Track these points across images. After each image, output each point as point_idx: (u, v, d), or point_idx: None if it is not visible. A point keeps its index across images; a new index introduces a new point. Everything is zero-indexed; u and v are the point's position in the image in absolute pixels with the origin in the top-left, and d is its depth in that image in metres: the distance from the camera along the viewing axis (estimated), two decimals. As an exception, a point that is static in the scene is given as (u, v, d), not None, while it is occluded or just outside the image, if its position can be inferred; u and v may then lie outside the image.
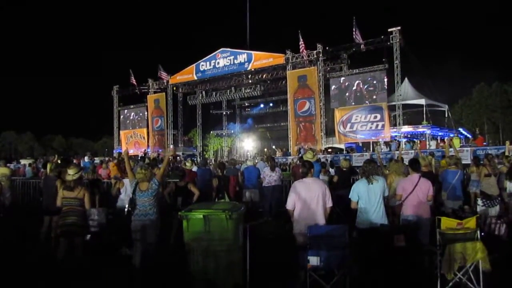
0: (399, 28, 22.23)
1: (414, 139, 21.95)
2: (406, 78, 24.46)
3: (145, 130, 33.67)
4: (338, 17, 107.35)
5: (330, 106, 24.62)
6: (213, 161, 24.65)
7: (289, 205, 4.90)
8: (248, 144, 38.21)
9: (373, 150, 20.20)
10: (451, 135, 20.16)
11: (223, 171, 9.59)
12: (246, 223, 4.88)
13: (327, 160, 14.73)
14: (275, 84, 30.42)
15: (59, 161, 8.85)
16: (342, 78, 23.98)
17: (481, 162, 9.14)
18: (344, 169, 9.73)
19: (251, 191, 9.65)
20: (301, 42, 25.13)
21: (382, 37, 22.55)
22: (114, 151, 33.09)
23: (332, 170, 11.71)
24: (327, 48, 24.69)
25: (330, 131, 25.09)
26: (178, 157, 22.75)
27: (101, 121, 78.13)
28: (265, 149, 34.13)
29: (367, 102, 22.79)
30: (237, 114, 39.90)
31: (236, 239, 4.65)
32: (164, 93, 32.63)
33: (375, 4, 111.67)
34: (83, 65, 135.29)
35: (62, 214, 5.41)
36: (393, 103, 22.64)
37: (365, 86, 22.83)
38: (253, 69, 28.35)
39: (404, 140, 21.83)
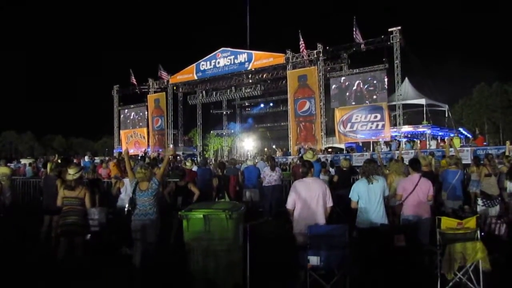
0: (399, 28, 22.25)
1: (414, 139, 21.95)
2: (406, 78, 24.48)
3: (145, 129, 33.68)
4: (338, 17, 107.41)
5: (330, 106, 24.63)
6: (213, 160, 24.66)
7: (289, 205, 4.91)
8: (248, 144, 38.22)
9: (373, 150, 20.20)
10: (451, 135, 20.15)
11: (223, 171, 9.59)
12: (246, 223, 4.87)
13: (327, 160, 14.73)
14: (275, 83, 30.43)
15: (59, 161, 8.85)
16: (342, 78, 23.99)
17: (482, 162, 9.14)
18: (344, 169, 9.74)
19: (251, 191, 9.65)
20: (301, 41, 25.14)
21: (383, 37, 22.56)
22: (114, 151, 33.11)
23: (332, 170, 11.71)
24: (327, 47, 24.69)
25: (330, 131, 25.10)
26: (178, 157, 22.76)
27: (101, 121, 78.17)
28: (265, 149, 34.17)
29: (367, 102, 22.79)
30: (237, 113, 39.93)
31: (236, 238, 4.65)
32: (164, 93, 32.64)
33: (375, 4, 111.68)
34: (83, 64, 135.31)
35: (63, 214, 5.41)
36: (393, 103, 22.64)
37: (365, 86, 22.83)
38: (253, 69, 28.36)
39: (404, 140, 21.83)
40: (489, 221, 5.75)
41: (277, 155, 22.49)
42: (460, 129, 26.27)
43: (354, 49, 23.98)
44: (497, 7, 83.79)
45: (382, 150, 18.63)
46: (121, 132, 35.36)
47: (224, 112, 38.56)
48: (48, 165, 8.00)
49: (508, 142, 11.00)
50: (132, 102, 35.05)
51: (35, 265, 5.70)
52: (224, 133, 39.76)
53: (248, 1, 35.60)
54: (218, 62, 29.49)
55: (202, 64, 30.36)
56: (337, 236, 4.41)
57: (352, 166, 10.98)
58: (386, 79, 22.28)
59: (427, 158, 8.79)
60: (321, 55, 24.57)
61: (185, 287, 4.61)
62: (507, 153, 9.91)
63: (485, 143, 20.08)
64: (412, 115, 26.51)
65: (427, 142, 21.01)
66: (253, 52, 28.22)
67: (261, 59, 27.60)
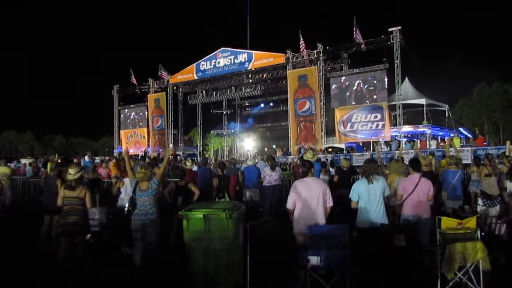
0: (399, 27, 22.26)
1: (415, 139, 21.96)
2: (406, 78, 24.48)
3: (145, 129, 33.70)
4: (339, 17, 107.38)
5: (331, 106, 24.64)
6: (213, 160, 24.65)
7: (289, 205, 4.91)
8: (248, 144, 38.25)
9: (374, 150, 20.20)
10: (452, 135, 20.15)
11: (224, 171, 9.59)
12: (246, 223, 4.87)
13: (327, 159, 14.73)
14: (276, 83, 30.45)
15: (59, 161, 8.86)
16: (343, 78, 23.99)
17: (482, 162, 9.14)
18: (345, 169, 9.74)
19: (251, 191, 9.65)
20: (302, 41, 25.14)
21: (383, 36, 22.57)
22: (114, 151, 33.14)
23: (332, 170, 11.71)
24: (327, 47, 24.71)
25: (330, 131, 25.11)
26: (178, 157, 22.76)
27: (101, 121, 78.08)
28: (265, 149, 34.20)
29: (367, 101, 22.79)
30: (238, 113, 39.96)
31: (236, 238, 4.65)
32: (164, 93, 32.65)
33: (376, 4, 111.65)
34: (83, 64, 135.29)
35: (63, 214, 5.41)
36: (394, 103, 22.65)
37: (366, 86, 22.84)
38: (253, 69, 28.37)
39: (405, 139, 21.84)
40: (489, 221, 5.75)
41: (277, 155, 22.50)
42: (460, 129, 26.27)
43: (354, 49, 24.00)
44: (497, 7, 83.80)
45: (382, 150, 18.64)
46: (121, 132, 35.37)
47: (224, 112, 38.59)
48: (48, 165, 8.00)
49: (508, 142, 10.99)
50: (132, 102, 35.09)
51: (35, 265, 5.70)
52: (224, 133, 39.78)
53: (248, 1, 35.61)
54: (218, 62, 29.49)
55: (202, 64, 30.36)
56: (337, 236, 4.41)
57: (352, 166, 10.97)
58: (386, 79, 22.29)
59: (427, 158, 8.79)
60: (321, 55, 24.57)
61: (185, 287, 4.61)
62: (507, 153, 9.91)
63: (485, 143, 20.07)
64: (412, 115, 26.53)
65: (427, 142, 21.02)
66: (253, 52, 28.22)
67: (261, 59, 27.61)
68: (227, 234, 4.52)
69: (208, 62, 30.04)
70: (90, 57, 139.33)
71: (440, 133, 23.16)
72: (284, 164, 18.54)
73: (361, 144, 23.18)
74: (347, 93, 23.54)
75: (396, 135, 22.47)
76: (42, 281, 5.04)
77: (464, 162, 9.35)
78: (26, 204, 11.82)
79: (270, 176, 9.48)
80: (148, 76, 33.91)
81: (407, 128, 22.87)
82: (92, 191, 5.94)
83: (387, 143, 20.95)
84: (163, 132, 32.53)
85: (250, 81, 30.79)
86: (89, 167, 13.52)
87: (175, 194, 7.23)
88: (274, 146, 34.21)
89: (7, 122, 69.15)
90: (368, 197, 4.91)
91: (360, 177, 5.39)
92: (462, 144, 19.66)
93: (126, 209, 5.48)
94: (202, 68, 30.38)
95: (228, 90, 32.24)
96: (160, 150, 29.87)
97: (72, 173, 5.49)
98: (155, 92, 33.44)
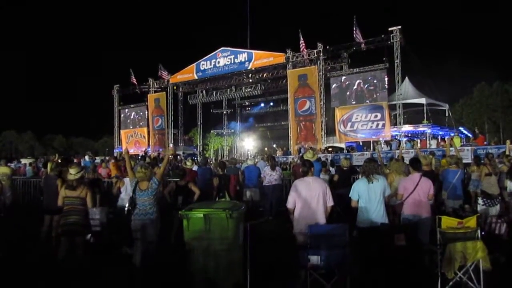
0: (399, 27, 22.26)
1: (415, 138, 21.97)
2: (406, 77, 24.47)
3: (145, 129, 33.72)
4: (339, 16, 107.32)
5: (331, 105, 24.64)
6: (213, 160, 24.66)
7: (289, 204, 4.90)
8: (248, 143, 38.29)
9: (374, 149, 20.21)
10: (452, 134, 20.17)
11: (224, 170, 9.59)
12: (246, 222, 4.88)
13: (327, 159, 14.73)
14: (276, 83, 30.46)
15: (59, 161, 8.86)
16: (343, 77, 23.98)
17: (482, 161, 9.13)
18: (345, 168, 9.74)
19: (252, 190, 9.65)
20: (302, 41, 25.13)
21: (383, 36, 22.57)
22: (114, 151, 33.15)
23: (332, 169, 11.71)
24: (327, 47, 24.69)
25: (330, 130, 25.10)
26: (178, 156, 22.77)
27: (101, 121, 78.11)
28: (266, 148, 34.23)
29: (367, 101, 22.79)
30: (238, 113, 39.97)
31: (236, 238, 4.65)
32: (164, 92, 32.67)
33: (376, 4, 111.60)
34: (83, 64, 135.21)
35: (64, 214, 5.41)
36: (394, 102, 22.65)
37: (366, 85, 22.83)
38: (253, 68, 28.36)
39: (405, 139, 21.84)
40: (490, 220, 5.75)
41: (277, 155, 22.50)
42: (461, 128, 26.26)
43: (354, 48, 23.99)
44: (497, 7, 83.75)
45: (383, 150, 18.65)
46: (122, 131, 35.39)
47: (224, 112, 38.60)
48: (49, 165, 8.00)
49: (508, 142, 10.98)
50: (132, 102, 35.10)
51: (35, 265, 5.70)
52: (225, 133, 39.79)
53: (248, 1, 35.60)
54: (218, 62, 29.50)
55: (202, 64, 30.36)
56: (338, 235, 4.41)
57: (352, 165, 10.97)
58: (386, 79, 22.28)
59: (428, 157, 8.78)
60: (321, 54, 24.57)
61: (186, 287, 4.61)
62: (507, 153, 9.90)
63: (485, 143, 20.07)
64: (413, 114, 26.51)
65: (428, 142, 21.03)
66: (253, 51, 28.22)
67: (261, 58, 27.61)
68: (227, 234, 4.52)
69: (208, 62, 30.04)
70: (90, 57, 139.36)
71: (440, 133, 23.16)
72: (284, 163, 18.55)
73: (361, 143, 23.18)
74: (347, 93, 23.54)
75: (396, 135, 22.47)
76: (42, 281, 5.04)
77: (464, 161, 9.35)
78: (26, 204, 11.83)
79: (270, 176, 9.49)
80: (148, 76, 33.99)
81: (407, 128, 22.86)
82: (92, 191, 5.94)
83: (387, 143, 20.95)
84: (163, 132, 32.54)
85: (250, 80, 30.79)
86: (89, 167, 13.53)
87: (175, 193, 7.23)
88: (274, 146, 34.23)
89: (7, 122, 69.23)
90: (368, 196, 4.91)
91: (360, 176, 5.38)
92: (462, 143, 19.67)
93: (126, 209, 5.49)
94: (202, 68, 30.38)
95: (228, 90, 32.25)
96: (160, 150, 29.88)
97: (73, 173, 5.49)
98: (155, 92, 33.45)
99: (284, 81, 28.01)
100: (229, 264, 4.53)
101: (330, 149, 23.18)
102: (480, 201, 6.98)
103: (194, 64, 30.80)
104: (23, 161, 25.79)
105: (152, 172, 5.57)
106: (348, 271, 4.31)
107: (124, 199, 6.80)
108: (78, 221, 5.37)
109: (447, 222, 4.52)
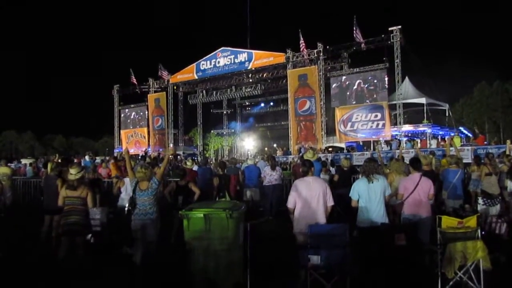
0: (399, 27, 22.25)
1: (415, 138, 21.98)
2: (406, 77, 24.47)
3: (145, 129, 33.72)
4: (339, 16, 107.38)
5: (331, 105, 24.64)
6: (213, 160, 24.65)
7: (290, 204, 4.90)
8: (248, 143, 38.30)
9: (374, 149, 20.21)
10: (452, 134, 20.17)
11: (224, 170, 9.59)
12: (246, 222, 4.87)
13: (327, 159, 14.73)
14: (276, 83, 30.46)
15: (59, 161, 8.86)
16: (343, 77, 23.98)
17: (482, 161, 9.13)
18: (345, 168, 9.74)
19: (252, 190, 9.65)
20: (302, 41, 25.13)
21: (383, 36, 22.57)
22: (114, 150, 33.15)
23: (332, 169, 11.71)
24: (327, 47, 24.69)
25: (330, 130, 25.10)
26: (178, 156, 22.78)
27: (101, 121, 78.05)
28: (266, 148, 34.25)
29: (367, 101, 22.79)
30: (238, 113, 39.97)
31: (236, 238, 4.65)
32: (164, 92, 32.67)
33: (376, 3, 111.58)
34: (83, 64, 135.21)
35: (64, 213, 5.41)
36: (394, 102, 22.64)
37: (366, 85, 22.83)
38: (253, 68, 28.36)
39: (405, 139, 21.85)
40: (490, 220, 5.75)
41: (277, 155, 22.51)
42: (461, 128, 26.27)
43: (354, 48, 23.99)
44: (497, 7, 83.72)
45: (383, 149, 18.65)
46: (122, 131, 35.39)
47: (225, 112, 38.60)
48: (49, 165, 8.00)
49: (508, 141, 11.00)
50: (133, 102, 35.10)
51: (35, 265, 5.70)
52: (225, 133, 39.79)
53: (248, 1, 35.60)
54: (218, 62, 29.49)
55: (202, 64, 30.36)
56: (338, 235, 4.41)
57: (352, 165, 10.97)
58: (386, 78, 22.28)
59: (428, 157, 8.78)
60: (321, 54, 24.56)
61: (186, 287, 4.61)
62: (507, 152, 9.90)
63: (485, 142, 20.07)
64: (413, 114, 26.52)
65: (428, 141, 21.03)
66: (253, 51, 28.21)
67: (261, 58, 27.60)
68: (227, 234, 4.52)
69: (208, 62, 30.04)
70: (90, 57, 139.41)
71: (441, 132, 23.16)
72: (284, 163, 18.56)
73: (361, 143, 23.18)
74: (347, 93, 23.53)
75: (396, 135, 22.47)
76: (43, 281, 5.04)
77: (464, 161, 9.35)
78: (27, 204, 11.83)
79: (270, 176, 9.49)
80: (148, 76, 33.98)
81: (407, 128, 22.87)
82: (92, 191, 5.95)
83: (387, 143, 20.95)
84: (163, 131, 32.55)
85: (250, 80, 30.79)
86: (90, 167, 13.54)
87: (175, 193, 7.23)
88: (274, 146, 34.23)
89: (7, 122, 69.22)
90: (368, 196, 4.92)
91: (360, 176, 5.38)
92: (462, 143, 19.67)
93: (126, 209, 5.49)
94: (202, 68, 30.38)
95: (228, 90, 32.24)
96: (161, 149, 29.89)
97: (73, 173, 5.49)
98: (155, 91, 33.45)
99: (284, 81, 28.01)
100: (229, 264, 4.53)
101: (330, 149, 23.19)
102: (480, 200, 6.97)
103: (194, 64, 30.80)
104: (23, 161, 25.82)
105: (152, 172, 5.57)
106: (348, 271, 4.31)
107: (124, 199, 6.81)
108: (79, 221, 5.38)
109: (447, 222, 4.52)
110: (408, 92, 23.89)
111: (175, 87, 33.60)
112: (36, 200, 11.28)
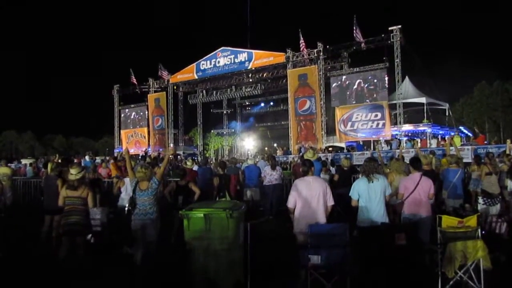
0: (399, 26, 22.25)
1: (415, 138, 21.98)
2: (406, 77, 24.46)
3: (145, 129, 33.73)
4: (339, 16, 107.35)
5: (331, 105, 24.65)
6: (213, 160, 24.66)
7: (290, 203, 4.90)
8: (248, 143, 38.31)
9: (374, 149, 20.20)
10: (452, 134, 20.18)
11: (224, 170, 9.58)
12: (246, 222, 4.87)
13: (327, 158, 14.72)
14: (276, 82, 30.46)
15: (59, 161, 8.86)
16: (343, 77, 23.97)
17: (482, 160, 9.13)
18: (345, 168, 9.73)
19: (252, 190, 9.64)
20: (302, 40, 25.12)
21: (383, 35, 22.57)
22: (114, 150, 33.16)
23: (333, 169, 11.71)
24: (327, 46, 24.69)
25: (330, 130, 25.10)
26: (178, 156, 22.78)
27: (101, 121, 78.32)
28: (266, 148, 34.23)
29: (367, 100, 22.78)
30: (238, 113, 39.98)
31: (236, 237, 4.65)
32: (164, 92, 32.67)
33: (376, 3, 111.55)
34: (83, 64, 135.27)
35: (65, 214, 5.41)
36: (394, 102, 22.64)
37: (366, 85, 22.83)
38: (253, 68, 28.36)
39: (405, 138, 21.86)
40: (490, 219, 5.75)
41: (277, 154, 22.51)
42: (461, 127, 26.27)
43: (354, 48, 23.98)
44: (497, 7, 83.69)
45: (383, 149, 18.65)
46: (122, 131, 35.40)
47: (225, 111, 38.60)
48: (49, 165, 8.00)
49: (508, 141, 10.97)
50: (133, 102, 35.11)
51: (35, 265, 5.70)
52: (225, 132, 39.79)
53: (248, 1, 35.60)
54: (218, 61, 29.49)
55: (202, 64, 30.36)
56: (338, 235, 4.41)
57: (352, 165, 10.97)
58: (386, 78, 22.28)
59: (428, 157, 8.78)
60: (321, 54, 24.56)
61: (186, 286, 4.61)
62: (507, 152, 9.89)
63: (486, 142, 20.07)
64: (413, 113, 26.53)
65: (428, 141, 21.03)
66: (253, 51, 28.20)
67: (262, 58, 27.60)
68: (227, 234, 4.52)
69: (208, 62, 30.04)
70: (90, 57, 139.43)
71: (441, 132, 23.17)
72: (284, 163, 18.55)
73: (361, 143, 23.18)
74: (348, 92, 23.53)
75: (396, 134, 22.47)
76: (43, 281, 5.04)
77: (464, 160, 9.36)
78: (27, 205, 11.82)
79: (270, 175, 9.48)
80: (148, 75, 34.00)
81: (407, 127, 22.86)
82: (93, 191, 5.95)
83: (387, 142, 20.95)
84: (163, 131, 32.55)
85: (250, 80, 30.79)
86: (90, 167, 13.55)
87: (175, 193, 7.23)
88: (274, 145, 34.20)
89: (7, 122, 69.32)
90: (368, 196, 4.92)
91: (360, 176, 5.38)
92: (462, 142, 19.68)
93: (126, 209, 5.48)
94: (202, 68, 30.38)
95: (228, 90, 32.25)
96: (161, 149, 29.89)
97: (74, 173, 5.49)
98: (155, 91, 33.45)
99: (284, 80, 28.01)
100: (230, 264, 4.52)
101: (330, 148, 23.20)
102: (480, 200, 6.97)
103: (194, 64, 30.80)
104: (24, 161, 25.82)
105: (152, 172, 5.56)
106: (348, 271, 4.31)
107: (124, 199, 6.81)
108: (79, 221, 5.38)
109: (448, 221, 4.52)
110: (408, 91, 23.89)
111: (175, 87, 33.60)
112: (36, 200, 11.28)
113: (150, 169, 5.56)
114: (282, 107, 33.95)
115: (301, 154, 15.99)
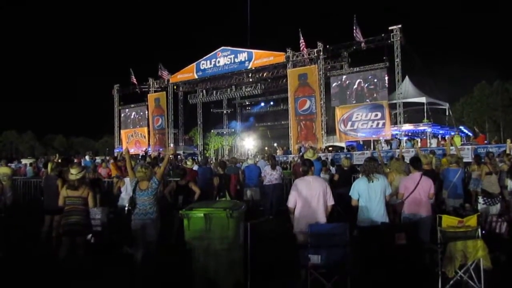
0: (399, 26, 22.25)
1: (415, 137, 21.98)
2: (407, 76, 24.47)
3: (145, 129, 33.74)
4: (339, 15, 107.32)
5: (331, 105, 24.65)
6: (213, 159, 24.67)
7: (290, 203, 4.90)
8: (248, 143, 38.31)
9: (374, 149, 20.20)
10: (452, 133, 20.19)
11: (224, 170, 9.58)
12: (247, 222, 4.87)
13: (327, 158, 14.72)
14: (276, 82, 30.46)
15: (59, 161, 8.85)
16: (343, 77, 23.97)
17: (482, 160, 9.13)
18: (345, 168, 9.72)
19: (252, 190, 9.65)
20: (302, 40, 25.12)
21: (383, 35, 22.58)
22: (115, 150, 33.17)
23: (333, 169, 11.70)
24: (327, 46, 24.69)
25: (330, 130, 25.11)
26: (179, 156, 22.77)
27: (101, 120, 78.18)
28: (266, 148, 34.22)
29: (367, 100, 22.79)
30: (238, 112, 39.99)
31: (236, 237, 4.65)
32: (164, 92, 32.68)
33: (376, 3, 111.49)
34: (83, 64, 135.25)
35: (65, 214, 5.40)
36: (394, 101, 22.64)
37: (366, 84, 22.83)
38: (253, 68, 28.37)
39: (405, 138, 21.86)
40: (490, 219, 5.75)
41: (277, 154, 22.51)
42: (461, 127, 26.28)
43: (354, 47, 23.99)
44: (497, 7, 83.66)
45: (383, 149, 18.66)
46: (122, 131, 35.41)
47: (225, 111, 38.60)
48: (49, 165, 8.00)
49: (508, 141, 10.96)
50: (133, 102, 35.12)
51: (35, 265, 5.70)
52: (225, 132, 39.79)
53: (248, 1, 35.61)
54: (218, 61, 29.49)
55: (202, 63, 30.35)
56: (338, 234, 4.41)
57: (352, 164, 10.96)
58: (386, 78, 22.29)
59: (428, 156, 8.78)
60: (321, 53, 24.56)
61: (186, 286, 4.61)
62: (507, 152, 9.89)
63: (486, 142, 20.06)
64: (413, 113, 26.53)
65: (428, 141, 21.03)
66: (253, 51, 28.20)
67: (262, 58, 27.60)
68: (227, 233, 4.51)
69: (208, 61, 30.04)
70: (90, 57, 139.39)
71: (441, 132, 23.17)
72: (284, 163, 18.56)
73: (361, 142, 23.19)
74: (348, 92, 23.53)
75: (396, 134, 22.47)
76: (43, 281, 5.04)
77: (464, 160, 9.36)
78: (27, 204, 11.83)
79: (270, 175, 9.48)
80: (148, 75, 34.01)
81: (407, 127, 22.87)
82: (93, 191, 5.94)
83: (387, 142, 20.96)
84: (163, 131, 32.55)
85: (250, 80, 30.79)
86: (90, 167, 13.55)
87: (175, 193, 7.23)
88: (274, 145, 34.21)
89: (8, 122, 69.25)
90: (368, 195, 4.92)
91: (360, 175, 5.38)
92: (462, 142, 19.68)
93: (126, 208, 5.48)
94: (202, 67, 30.38)
95: (229, 89, 32.25)
96: (161, 149, 29.89)
97: (74, 173, 5.48)
98: (155, 91, 33.46)
99: (284, 80, 28.01)
100: (230, 264, 4.52)
101: (330, 148, 23.21)
102: (480, 200, 6.97)
103: (194, 63, 30.80)
104: (24, 161, 25.81)
105: (152, 172, 5.55)
106: (348, 270, 4.31)
107: (124, 199, 6.81)
108: (80, 221, 5.38)
109: (448, 221, 4.52)
110: (408, 91, 23.89)
111: (175, 87, 33.61)
112: (36, 200, 11.28)
113: (150, 169, 5.55)
114: (282, 107, 33.96)
115: (301, 153, 15.98)
